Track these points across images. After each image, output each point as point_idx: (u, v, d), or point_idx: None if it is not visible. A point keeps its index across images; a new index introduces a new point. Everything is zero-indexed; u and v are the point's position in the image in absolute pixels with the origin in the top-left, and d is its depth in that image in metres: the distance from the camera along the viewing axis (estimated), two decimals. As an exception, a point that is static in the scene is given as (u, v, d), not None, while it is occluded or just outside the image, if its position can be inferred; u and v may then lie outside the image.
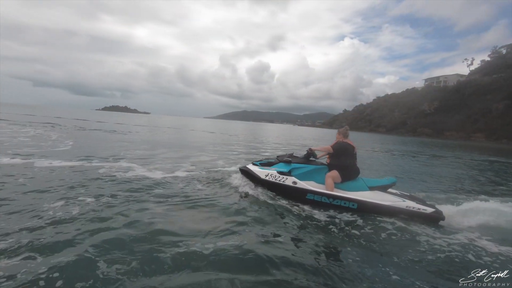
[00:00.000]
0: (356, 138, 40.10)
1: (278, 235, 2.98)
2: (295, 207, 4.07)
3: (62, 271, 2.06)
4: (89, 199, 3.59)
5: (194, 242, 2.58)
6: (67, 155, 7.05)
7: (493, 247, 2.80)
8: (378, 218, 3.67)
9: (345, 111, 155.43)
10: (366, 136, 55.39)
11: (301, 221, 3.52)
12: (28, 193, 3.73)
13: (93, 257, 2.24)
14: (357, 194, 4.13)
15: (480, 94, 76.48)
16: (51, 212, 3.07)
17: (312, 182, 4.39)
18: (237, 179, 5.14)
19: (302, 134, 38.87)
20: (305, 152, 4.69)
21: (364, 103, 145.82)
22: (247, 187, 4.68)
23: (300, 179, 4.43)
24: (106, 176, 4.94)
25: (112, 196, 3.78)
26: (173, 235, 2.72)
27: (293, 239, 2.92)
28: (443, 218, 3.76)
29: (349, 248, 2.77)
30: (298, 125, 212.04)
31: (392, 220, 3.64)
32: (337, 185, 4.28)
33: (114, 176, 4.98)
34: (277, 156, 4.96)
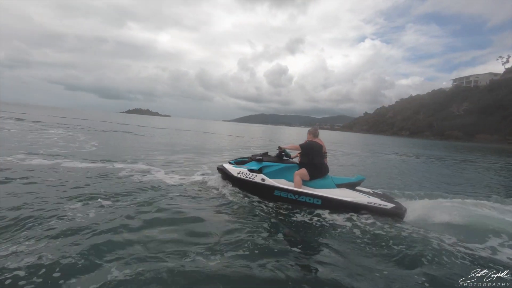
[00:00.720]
0: (375, 142, 38.64)
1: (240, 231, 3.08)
2: (262, 205, 4.18)
3: (55, 269, 2.11)
4: (105, 202, 3.70)
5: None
6: (92, 156, 7.60)
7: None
8: (347, 215, 3.81)
9: (365, 113, 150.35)
10: (388, 139, 53.16)
11: (268, 219, 3.57)
12: (48, 193, 3.95)
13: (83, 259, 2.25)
14: (324, 191, 4.22)
15: (517, 93, 70.33)
16: (69, 213, 3.21)
17: (283, 180, 4.53)
18: (216, 180, 5.28)
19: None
20: (277, 152, 4.87)
21: (386, 105, 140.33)
22: (227, 188, 4.81)
23: (271, 177, 4.58)
24: (125, 178, 5.22)
25: (125, 200, 3.87)
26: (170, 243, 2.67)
27: (253, 236, 2.96)
28: (403, 213, 3.88)
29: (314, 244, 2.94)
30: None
31: (357, 216, 3.80)
32: (306, 183, 4.42)
33: (132, 178, 5.21)
34: (252, 155, 5.07)
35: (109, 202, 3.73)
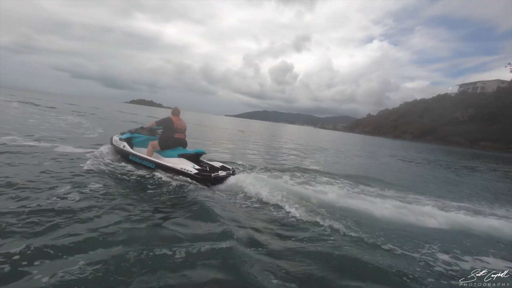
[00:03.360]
0: (375, 143, 38.64)
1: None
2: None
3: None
4: (86, 189, 3.71)
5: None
6: (90, 142, 7.67)
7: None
8: (168, 175, 4.98)
9: (369, 115, 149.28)
10: (388, 142, 52.90)
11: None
12: (34, 177, 3.94)
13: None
14: (165, 160, 5.38)
15: (524, 103, 69.42)
16: (49, 200, 3.18)
17: (145, 149, 5.69)
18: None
19: (322, 137, 37.74)
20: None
21: (390, 107, 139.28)
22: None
23: (138, 146, 5.97)
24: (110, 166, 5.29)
25: (108, 188, 3.93)
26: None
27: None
28: (208, 181, 4.80)
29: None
30: (319, 127, 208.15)
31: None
32: (158, 152, 5.57)
33: (123, 168, 5.28)
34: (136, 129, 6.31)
35: (88, 190, 3.71)
